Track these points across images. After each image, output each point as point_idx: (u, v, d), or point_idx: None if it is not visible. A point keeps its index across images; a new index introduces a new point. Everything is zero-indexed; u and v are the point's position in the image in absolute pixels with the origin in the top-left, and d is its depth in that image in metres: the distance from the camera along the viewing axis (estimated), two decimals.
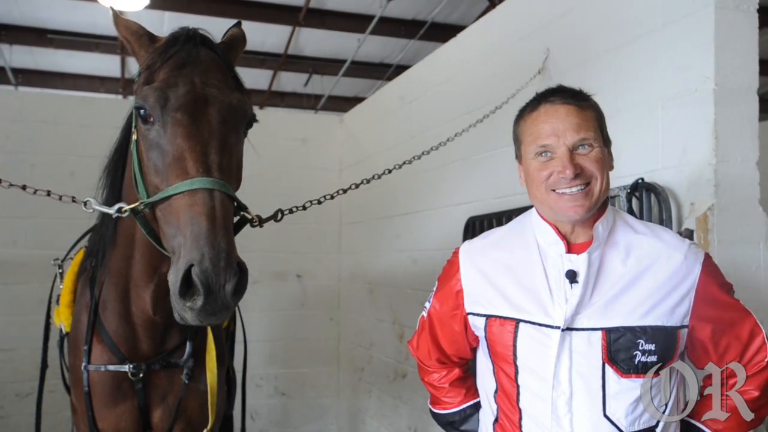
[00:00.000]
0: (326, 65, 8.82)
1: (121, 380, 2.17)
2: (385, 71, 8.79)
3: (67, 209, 4.90)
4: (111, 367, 2.17)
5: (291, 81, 9.50)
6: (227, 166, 1.74)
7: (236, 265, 1.58)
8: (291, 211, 2.21)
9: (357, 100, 8.27)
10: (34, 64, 8.75)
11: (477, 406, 1.85)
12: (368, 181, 2.57)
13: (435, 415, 1.94)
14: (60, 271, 2.50)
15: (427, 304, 1.87)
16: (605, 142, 1.60)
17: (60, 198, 1.91)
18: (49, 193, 1.93)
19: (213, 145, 1.71)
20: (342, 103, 9.57)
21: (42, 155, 4.98)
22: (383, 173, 2.64)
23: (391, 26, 7.60)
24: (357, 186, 2.50)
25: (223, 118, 1.76)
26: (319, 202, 2.41)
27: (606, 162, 1.56)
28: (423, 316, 1.88)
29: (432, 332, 1.84)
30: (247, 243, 3.29)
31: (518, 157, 1.68)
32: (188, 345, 2.22)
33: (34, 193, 1.94)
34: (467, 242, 1.82)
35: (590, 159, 1.52)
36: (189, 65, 1.79)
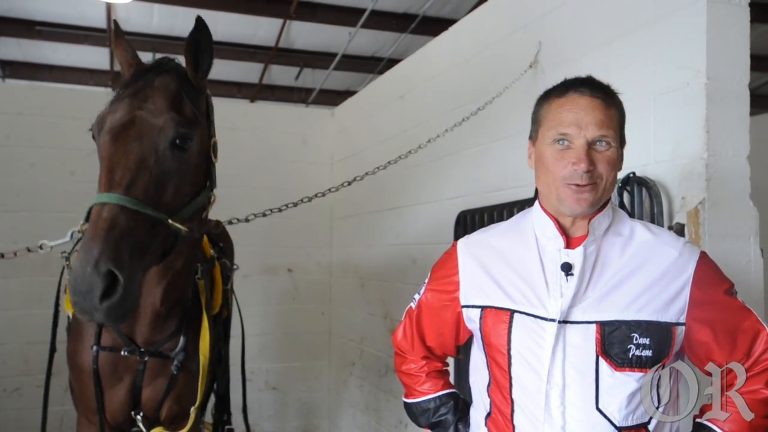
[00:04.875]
0: (317, 58, 8.77)
1: (122, 361, 2.32)
2: (376, 65, 8.75)
3: (59, 204, 4.89)
4: (114, 350, 2.31)
5: (282, 74, 9.43)
6: (141, 183, 1.88)
7: (107, 273, 1.69)
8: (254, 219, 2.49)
9: (348, 93, 8.23)
10: (22, 56, 8.65)
11: (452, 396, 1.85)
12: (353, 181, 2.61)
13: (409, 407, 1.91)
14: (67, 263, 2.57)
15: (417, 296, 1.86)
16: (621, 142, 1.60)
17: (15, 254, 2.31)
18: (2, 255, 2.31)
19: (123, 163, 1.88)
20: (333, 97, 9.52)
21: (41, 150, 4.92)
22: (373, 170, 2.66)
23: (382, 20, 7.55)
24: (341, 187, 2.52)
25: (141, 138, 1.93)
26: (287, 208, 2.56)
27: (617, 163, 1.56)
28: (411, 306, 1.88)
29: (419, 322, 1.85)
30: (237, 238, 3.29)
31: (532, 137, 1.66)
32: (182, 339, 2.35)
33: (2, 257, 2.24)
34: (466, 236, 1.82)
35: (604, 158, 1.52)
36: (139, 93, 2.00)
